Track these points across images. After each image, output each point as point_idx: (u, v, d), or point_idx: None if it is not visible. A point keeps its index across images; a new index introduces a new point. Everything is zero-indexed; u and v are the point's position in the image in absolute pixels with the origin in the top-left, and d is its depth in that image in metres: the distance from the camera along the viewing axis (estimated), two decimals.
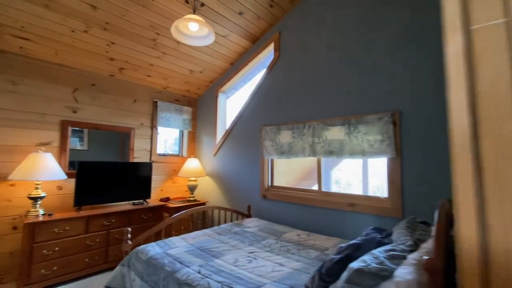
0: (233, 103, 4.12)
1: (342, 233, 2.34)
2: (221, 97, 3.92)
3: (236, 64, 3.61)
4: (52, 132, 2.75)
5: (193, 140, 4.21)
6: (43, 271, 2.25)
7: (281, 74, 3.01)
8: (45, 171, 2.38)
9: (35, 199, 2.41)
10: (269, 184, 3.06)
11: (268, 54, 3.34)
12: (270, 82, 3.12)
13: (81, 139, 2.98)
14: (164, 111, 3.76)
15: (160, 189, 3.72)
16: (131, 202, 3.17)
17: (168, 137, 4.11)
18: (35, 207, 2.42)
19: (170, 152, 4.03)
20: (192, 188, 3.74)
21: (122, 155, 3.33)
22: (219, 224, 2.79)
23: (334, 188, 4.64)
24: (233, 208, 3.38)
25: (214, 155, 3.83)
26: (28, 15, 2.20)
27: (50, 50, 2.62)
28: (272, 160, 3.11)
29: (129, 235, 1.89)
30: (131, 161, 3.37)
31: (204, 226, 3.00)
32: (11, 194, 2.48)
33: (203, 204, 3.68)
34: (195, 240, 2.05)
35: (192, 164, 3.72)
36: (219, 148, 3.76)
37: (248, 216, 2.96)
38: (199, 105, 4.24)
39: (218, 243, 2.00)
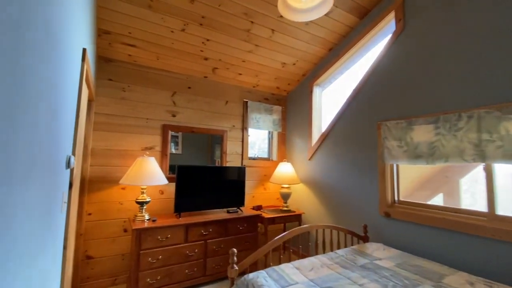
0: (329, 97, 3.51)
1: None
2: (316, 92, 3.37)
3: (337, 49, 3.00)
4: (155, 136, 2.78)
5: (283, 142, 3.79)
6: (148, 279, 2.18)
7: (409, 49, 2.23)
8: (149, 176, 2.35)
9: (141, 203, 2.41)
10: (395, 198, 2.31)
11: (381, 30, 2.60)
12: (391, 62, 2.37)
13: (176, 144, 2.94)
14: (254, 112, 3.48)
15: (252, 195, 3.43)
16: (226, 209, 2.96)
17: (256, 139, 3.82)
18: (141, 212, 2.42)
19: (259, 156, 3.72)
20: (285, 196, 3.31)
21: (211, 158, 3.18)
22: (331, 247, 2.23)
23: (465, 204, 3.45)
24: (338, 224, 2.76)
25: (310, 159, 3.30)
26: (133, 18, 2.19)
27: (152, 55, 2.64)
28: (397, 167, 2.34)
29: (235, 258, 1.54)
30: (224, 165, 3.18)
31: (315, 250, 2.48)
32: (123, 197, 2.56)
33: (299, 215, 3.18)
34: (314, 273, 1.54)
35: (284, 169, 3.30)
36: (315, 151, 3.21)
37: (365, 239, 2.28)
38: (289, 103, 3.81)
39: (350, 283, 1.43)
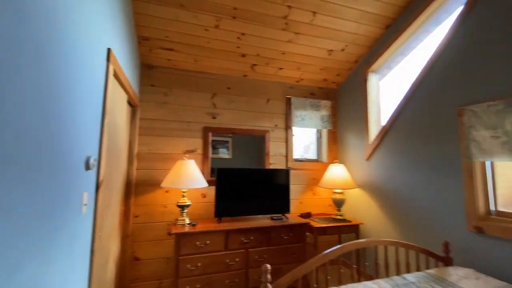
0: (389, 86, 2.96)
1: None
2: (372, 79, 2.88)
3: (395, 26, 2.49)
4: (196, 139, 2.75)
5: (334, 141, 3.37)
6: (187, 287, 2.09)
7: (493, 13, 1.63)
8: (189, 179, 2.29)
9: (182, 207, 2.37)
10: (491, 208, 1.70)
11: None
12: (475, 25, 1.79)
13: (228, 148, 2.87)
14: (299, 109, 3.17)
15: (299, 201, 3.11)
16: (270, 216, 2.72)
17: (304, 139, 3.48)
18: (182, 215, 2.38)
19: (307, 157, 3.38)
20: (338, 203, 2.88)
21: (260, 161, 2.99)
22: (397, 270, 1.76)
23: None
24: (408, 239, 2.22)
25: (367, 159, 2.81)
26: (167, 21, 2.19)
27: (190, 58, 2.63)
28: (492, 164, 1.74)
29: (269, 276, 1.29)
30: (266, 167, 2.97)
31: (375, 271, 2.05)
32: (166, 200, 2.58)
33: (356, 226, 2.72)
34: None
35: (336, 172, 2.88)
36: (374, 150, 2.71)
37: (446, 261, 1.73)
38: (339, 96, 3.37)
39: None
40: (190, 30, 2.32)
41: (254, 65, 2.83)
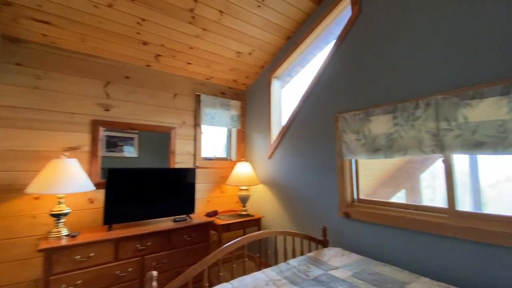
0: (289, 92, 3.30)
1: None
2: (275, 85, 3.13)
3: (294, 38, 2.78)
4: (82, 134, 2.32)
5: (242, 140, 3.50)
6: None
7: (365, 37, 2.06)
8: (67, 182, 1.90)
9: (57, 216, 1.95)
10: (355, 197, 2.11)
11: (338, 17, 2.44)
12: (347, 51, 2.19)
13: (133, 146, 2.54)
14: (208, 107, 3.14)
15: (207, 200, 3.08)
16: (173, 218, 2.58)
17: (214, 138, 3.48)
18: (58, 226, 1.96)
19: (217, 156, 3.39)
20: (243, 199, 3.01)
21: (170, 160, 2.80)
22: (285, 256, 1.95)
23: (426, 200, 3.43)
24: (299, 227, 2.52)
25: (270, 157, 3.04)
26: None
27: (75, 37, 2.19)
28: (356, 162, 2.16)
29: (155, 283, 1.19)
30: (172, 166, 2.80)
31: (266, 259, 2.19)
32: (36, 209, 2.07)
33: (258, 220, 2.90)
34: None
35: (242, 170, 3.00)
36: (275, 149, 2.96)
37: (324, 243, 2.06)
38: (248, 97, 3.53)
39: None
40: (73, 4, 1.92)
41: (159, 55, 2.62)
